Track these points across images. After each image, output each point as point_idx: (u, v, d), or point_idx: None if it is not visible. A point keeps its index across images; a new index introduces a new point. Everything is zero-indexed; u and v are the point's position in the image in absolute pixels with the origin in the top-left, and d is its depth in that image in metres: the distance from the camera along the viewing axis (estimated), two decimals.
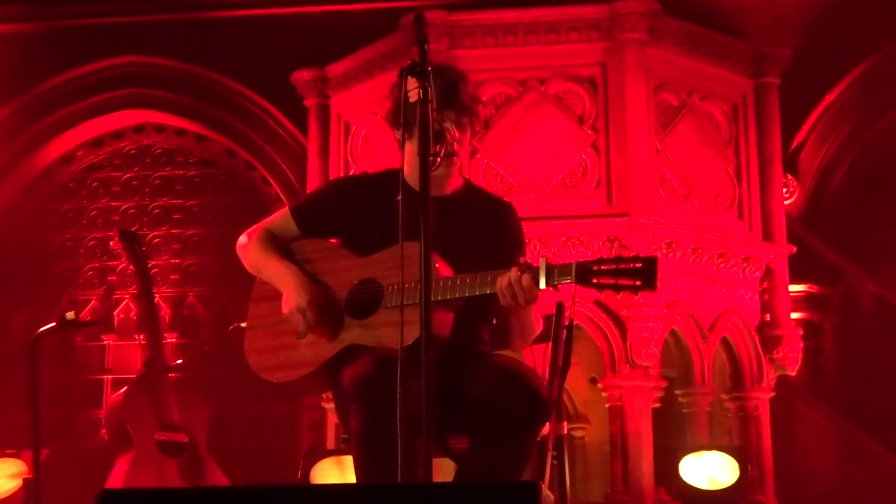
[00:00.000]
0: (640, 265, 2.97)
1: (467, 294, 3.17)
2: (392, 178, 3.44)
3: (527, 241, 3.67)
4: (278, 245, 3.51)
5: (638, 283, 2.97)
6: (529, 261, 3.13)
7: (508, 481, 2.69)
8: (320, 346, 3.33)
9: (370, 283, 3.34)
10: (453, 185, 3.55)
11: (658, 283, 2.96)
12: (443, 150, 3.32)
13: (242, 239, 3.57)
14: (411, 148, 3.26)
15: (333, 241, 3.59)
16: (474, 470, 3.18)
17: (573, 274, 3.03)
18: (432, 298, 2.92)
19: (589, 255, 5.51)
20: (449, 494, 1.83)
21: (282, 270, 3.42)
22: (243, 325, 3.61)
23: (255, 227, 3.59)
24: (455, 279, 3.18)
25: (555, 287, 3.08)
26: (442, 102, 3.34)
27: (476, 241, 3.44)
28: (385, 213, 3.28)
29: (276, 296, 3.44)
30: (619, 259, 3.02)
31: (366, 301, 3.32)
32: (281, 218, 3.59)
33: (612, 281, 2.99)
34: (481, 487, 1.92)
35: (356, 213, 3.48)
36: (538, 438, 3.30)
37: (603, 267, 3.01)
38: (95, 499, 1.84)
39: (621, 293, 3.04)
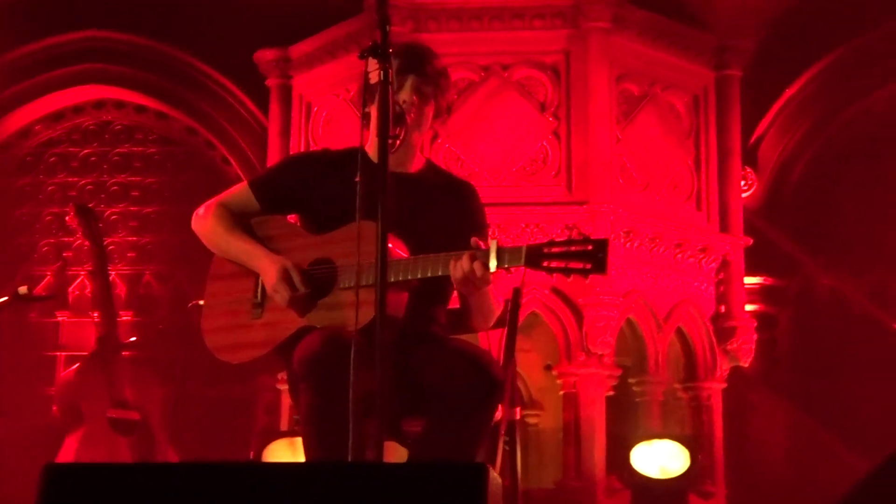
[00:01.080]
0: (591, 248, 2.98)
1: (420, 276, 3.16)
2: (354, 155, 3.43)
3: (488, 224, 3.67)
4: (238, 221, 3.47)
5: (588, 266, 2.97)
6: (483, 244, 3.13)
7: (456, 462, 2.70)
8: (275, 327, 3.32)
9: (325, 262, 3.33)
10: (416, 163, 3.55)
11: (608, 265, 2.96)
12: (402, 133, 3.32)
13: (199, 212, 3.52)
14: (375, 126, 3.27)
15: (292, 217, 3.57)
16: (427, 452, 3.19)
17: (523, 257, 3.03)
18: (401, 277, 2.92)
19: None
20: (396, 474, 1.83)
21: (249, 249, 3.39)
22: (201, 302, 3.59)
23: (211, 201, 3.53)
24: (409, 261, 3.18)
25: (506, 269, 3.09)
26: (404, 66, 3.34)
27: (436, 221, 3.44)
28: (345, 190, 3.26)
29: (233, 274, 3.42)
30: (569, 241, 3.03)
31: (320, 281, 3.31)
32: (239, 192, 3.54)
33: (562, 264, 3.00)
34: (428, 468, 1.92)
35: (317, 189, 3.45)
36: (492, 422, 3.31)
37: (553, 250, 3.01)
38: (40, 472, 1.82)
39: (571, 276, 3.04)
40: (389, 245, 3.10)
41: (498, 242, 3.10)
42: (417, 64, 3.40)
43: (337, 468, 1.95)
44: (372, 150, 3.29)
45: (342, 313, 3.22)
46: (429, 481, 1.78)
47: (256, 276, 3.39)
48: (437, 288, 3.37)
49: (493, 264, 3.07)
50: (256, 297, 3.39)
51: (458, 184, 3.64)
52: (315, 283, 3.30)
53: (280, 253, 3.39)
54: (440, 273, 3.15)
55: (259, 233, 3.47)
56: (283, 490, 1.80)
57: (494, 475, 1.88)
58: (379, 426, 2.65)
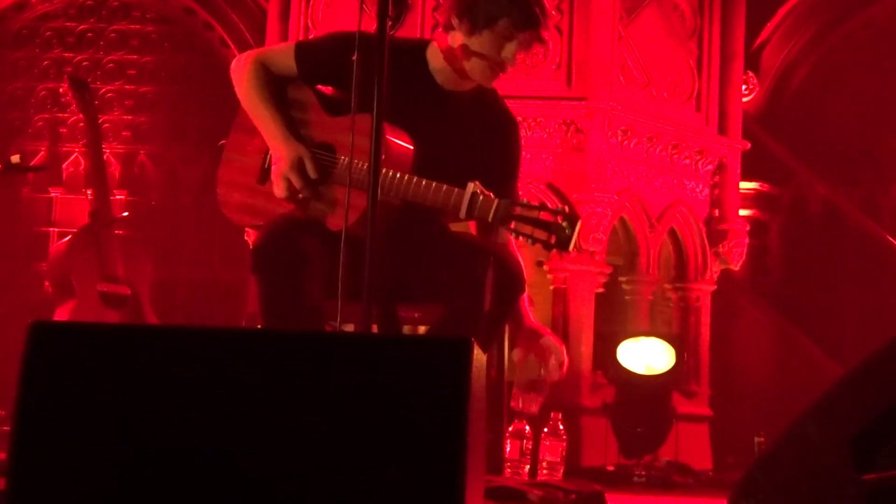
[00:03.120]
0: (561, 221, 2.95)
1: (417, 201, 3.14)
2: (413, 55, 3.38)
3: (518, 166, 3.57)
4: (272, 82, 3.37)
5: (553, 240, 2.96)
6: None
7: (439, 337, 2.71)
8: (273, 201, 3.29)
9: (328, 149, 3.29)
10: (472, 83, 3.44)
11: (573, 245, 2.95)
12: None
13: (237, 65, 3.43)
14: (477, 40, 3.23)
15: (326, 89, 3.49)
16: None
17: (492, 213, 3.01)
18: (381, 194, 2.90)
19: (544, 137, 5.51)
20: (377, 346, 1.84)
21: (271, 125, 3.29)
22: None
23: (251, 54, 3.46)
24: (411, 180, 3.13)
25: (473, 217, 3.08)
26: (522, 20, 3.26)
27: (469, 146, 3.38)
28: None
29: (254, 130, 3.37)
30: (542, 208, 2.98)
31: (317, 167, 3.27)
32: (282, 52, 3.44)
33: (528, 230, 2.98)
34: (411, 341, 1.94)
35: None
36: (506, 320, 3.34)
37: (526, 213, 2.98)
38: (27, 330, 1.83)
39: (535, 244, 3.02)
40: (399, 143, 3.05)
41: (475, 187, 3.06)
42: (536, 21, 3.29)
43: (322, 337, 1.96)
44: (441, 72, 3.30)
45: (328, 209, 3.22)
46: (412, 353, 1.79)
47: None
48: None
49: (463, 211, 3.06)
50: (265, 162, 3.34)
51: (505, 116, 3.55)
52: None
53: (294, 123, 3.33)
54: (438, 206, 3.12)
55: (289, 94, 3.39)
56: (271, 356, 1.81)
57: (480, 352, 1.89)
58: (366, 308, 2.65)
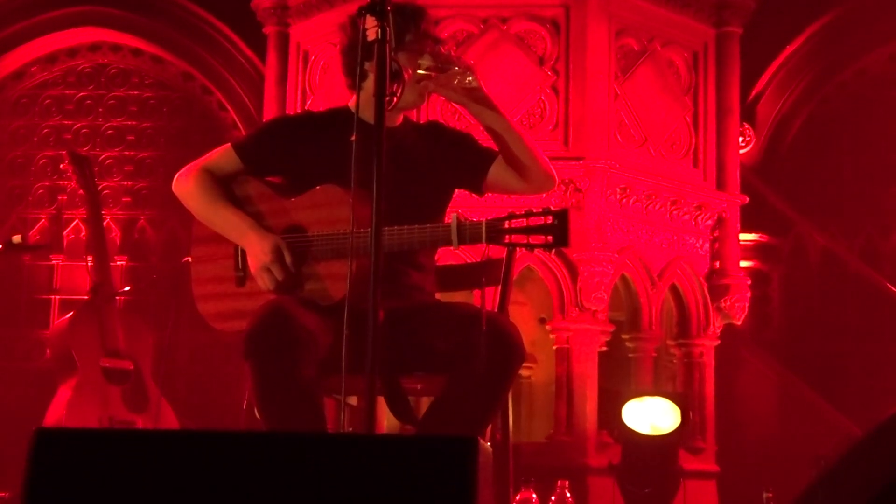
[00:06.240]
0: (551, 220, 2.96)
1: (406, 248, 3.17)
2: (339, 115, 3.44)
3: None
4: (222, 189, 3.40)
5: (550, 239, 2.96)
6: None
7: (444, 435, 2.71)
8: (256, 299, 3.28)
9: (297, 230, 3.30)
10: (399, 119, 3.55)
11: (570, 238, 2.95)
12: (399, 91, 3.31)
13: (181, 177, 3.45)
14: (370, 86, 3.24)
15: (273, 180, 3.52)
16: (447, 419, 3.19)
17: (483, 234, 3.03)
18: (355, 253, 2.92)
19: (543, 197, 5.50)
20: (380, 447, 1.83)
21: (237, 223, 3.32)
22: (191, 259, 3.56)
23: (193, 166, 3.46)
24: (392, 231, 3.14)
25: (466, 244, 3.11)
26: (398, 43, 3.30)
27: (429, 169, 3.45)
28: (331, 152, 3.27)
29: (215, 238, 3.38)
30: (529, 214, 3.00)
31: (293, 252, 3.28)
32: (221, 156, 3.46)
33: (523, 239, 2.99)
34: (413, 441, 1.93)
35: (302, 151, 3.43)
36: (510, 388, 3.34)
37: (514, 224, 3.00)
38: (31, 437, 1.83)
39: (535, 251, 3.05)
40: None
41: (458, 217, 3.09)
42: (407, 39, 3.37)
43: (327, 439, 1.96)
44: (362, 109, 3.27)
45: (316, 285, 3.22)
46: (418, 454, 1.79)
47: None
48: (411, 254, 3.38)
49: (454, 241, 3.07)
50: (238, 267, 3.35)
51: (433, 126, 3.68)
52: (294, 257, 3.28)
53: (253, 217, 3.34)
54: (420, 246, 3.17)
55: (237, 192, 3.42)
56: (276, 459, 1.80)
57: (485, 447, 1.89)
58: (369, 397, 2.64)
